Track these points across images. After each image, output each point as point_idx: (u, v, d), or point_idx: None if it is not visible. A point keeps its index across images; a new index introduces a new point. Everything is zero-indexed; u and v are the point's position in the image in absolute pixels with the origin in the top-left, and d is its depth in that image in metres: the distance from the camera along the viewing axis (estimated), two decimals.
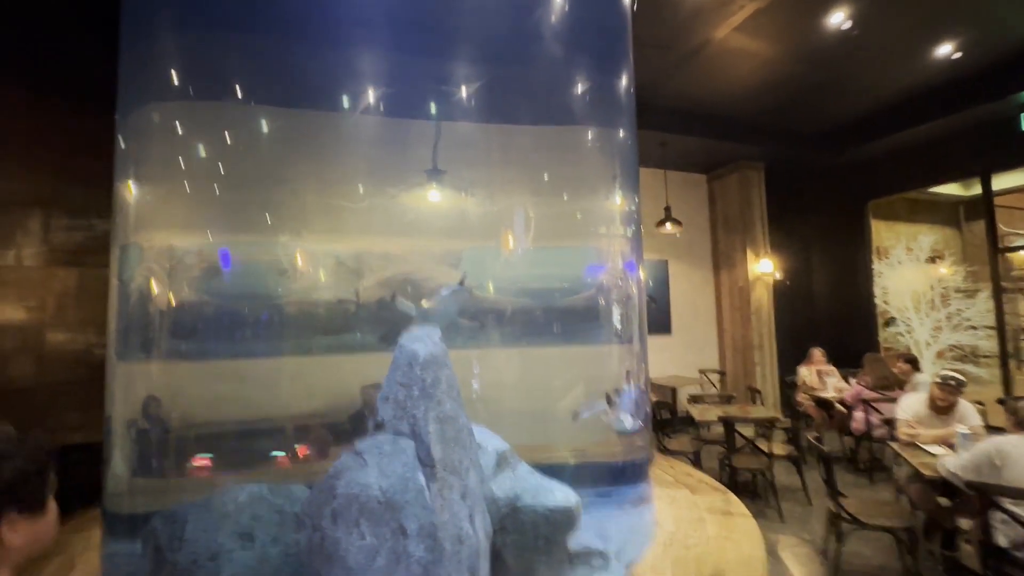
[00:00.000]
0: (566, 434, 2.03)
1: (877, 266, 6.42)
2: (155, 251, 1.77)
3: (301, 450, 1.93)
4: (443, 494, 1.15)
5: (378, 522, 1.09)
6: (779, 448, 3.82)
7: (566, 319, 2.22)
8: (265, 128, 2.08)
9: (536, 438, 1.96)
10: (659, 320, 6.42)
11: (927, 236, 6.22)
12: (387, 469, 1.14)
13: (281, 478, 1.66)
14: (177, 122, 1.84)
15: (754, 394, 5.26)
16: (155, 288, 1.75)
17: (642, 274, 2.33)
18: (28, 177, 3.49)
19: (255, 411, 1.96)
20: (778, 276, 6.60)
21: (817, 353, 5.37)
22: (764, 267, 6.44)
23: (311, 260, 2.20)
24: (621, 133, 2.24)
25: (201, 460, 1.73)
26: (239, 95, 1.92)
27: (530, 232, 2.26)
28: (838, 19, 3.89)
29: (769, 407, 5.68)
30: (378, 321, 2.28)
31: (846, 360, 5.38)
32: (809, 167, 6.85)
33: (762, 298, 6.49)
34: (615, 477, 1.89)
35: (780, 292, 6.68)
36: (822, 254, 7.24)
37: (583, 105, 2.33)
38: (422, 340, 1.28)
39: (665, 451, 3.92)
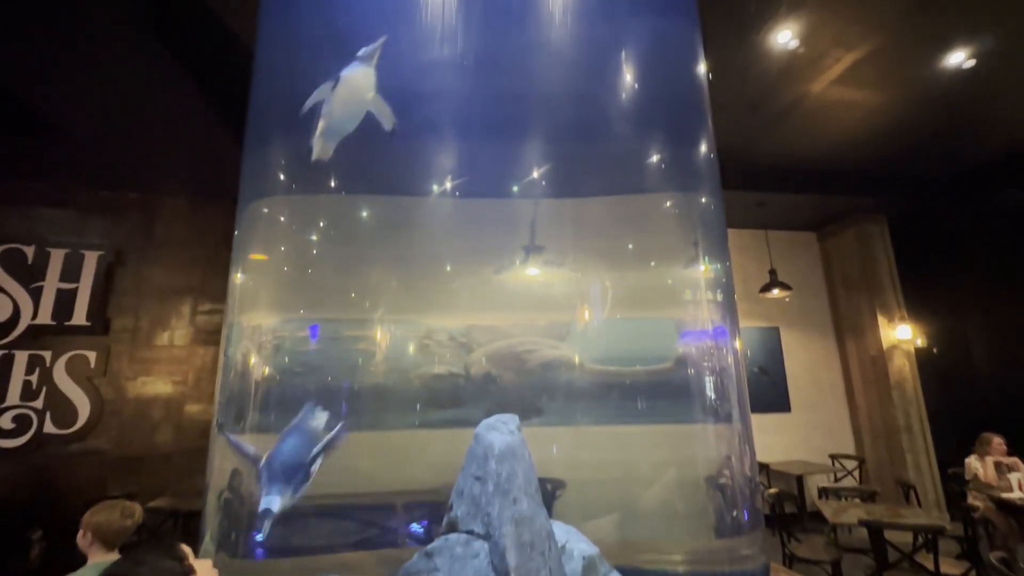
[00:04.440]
0: (657, 528, 1.79)
1: None
2: (259, 329, 1.95)
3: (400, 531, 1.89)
4: None
5: None
6: (950, 567, 3.01)
7: (654, 394, 2.04)
8: (372, 214, 2.31)
9: (622, 532, 1.75)
10: (775, 396, 5.71)
11: None
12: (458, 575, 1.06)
13: (372, 562, 1.62)
14: (283, 214, 2.09)
15: (907, 490, 4.33)
16: (256, 364, 1.91)
17: (738, 344, 2.10)
18: (185, 270, 4.17)
19: (352, 487, 1.98)
20: (920, 343, 5.63)
21: (995, 440, 4.34)
22: (902, 333, 5.54)
23: (415, 335, 2.30)
24: (704, 198, 2.13)
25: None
26: (341, 186, 2.15)
27: (614, 303, 2.18)
28: (957, 59, 3.52)
29: (930, 508, 4.63)
30: (485, 395, 2.28)
31: None
32: (946, 217, 5.99)
33: (903, 370, 5.53)
34: None
35: (927, 363, 5.66)
36: (981, 318, 6.10)
37: (665, 173, 2.28)
38: (499, 429, 1.23)
39: (792, 560, 3.28)
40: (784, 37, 3.23)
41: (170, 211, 4.16)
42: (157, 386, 3.91)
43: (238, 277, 1.96)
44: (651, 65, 1.78)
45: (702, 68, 2.01)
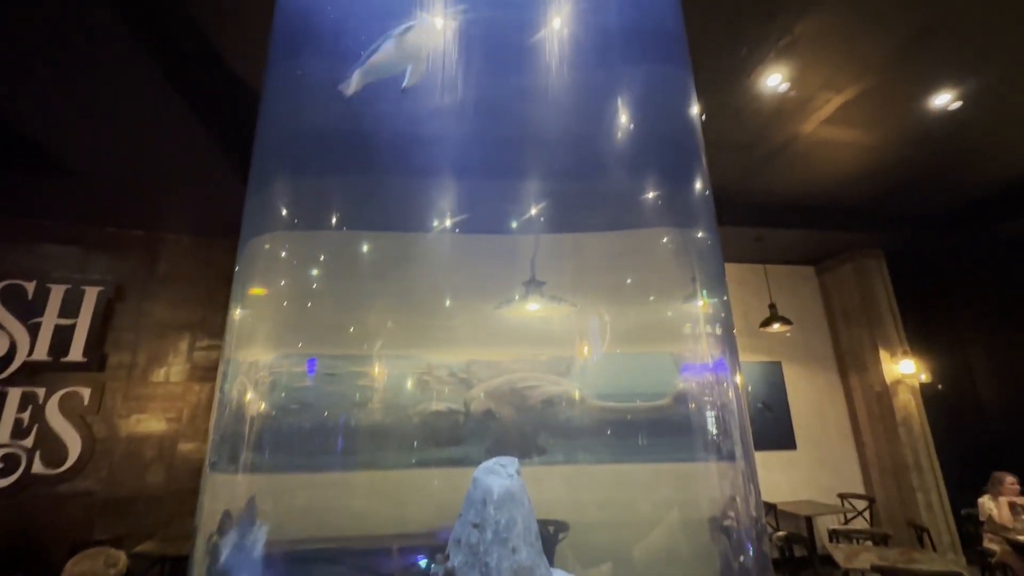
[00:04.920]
0: (661, 572, 1.72)
1: None
2: (256, 365, 1.94)
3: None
4: None
5: None
6: None
7: (658, 431, 2.00)
8: (372, 250, 2.32)
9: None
10: (779, 432, 5.60)
11: None
12: None
13: None
14: (284, 249, 2.11)
15: (920, 533, 4.19)
16: (252, 400, 1.88)
17: (739, 379, 2.08)
18: (185, 306, 4.17)
19: (345, 528, 1.92)
20: (924, 379, 5.57)
21: (1008, 480, 4.23)
22: (905, 368, 5.50)
23: (414, 371, 2.27)
24: (701, 233, 2.16)
25: None
26: (342, 223, 2.17)
27: (616, 338, 2.17)
28: (943, 100, 3.63)
29: (944, 551, 4.47)
30: (485, 432, 2.24)
31: None
32: (942, 251, 6.05)
33: (909, 406, 5.45)
34: None
35: (933, 398, 5.59)
36: (985, 352, 6.06)
37: (662, 209, 2.32)
38: (498, 473, 1.19)
39: None
40: (774, 80, 3.35)
41: (173, 247, 4.20)
42: (151, 424, 3.84)
43: (237, 313, 1.96)
44: (646, 108, 1.84)
45: (695, 110, 2.07)
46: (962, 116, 3.80)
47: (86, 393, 3.82)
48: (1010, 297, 5.73)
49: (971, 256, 5.98)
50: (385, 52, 1.77)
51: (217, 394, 1.87)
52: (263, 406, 1.99)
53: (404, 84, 1.81)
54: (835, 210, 5.37)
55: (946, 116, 3.80)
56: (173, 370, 3.97)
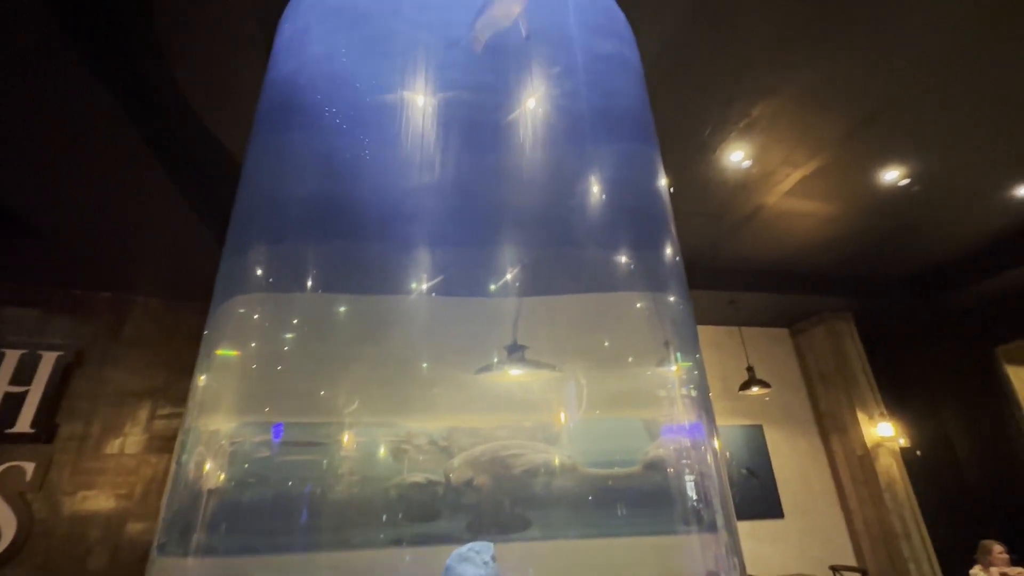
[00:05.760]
0: None
1: None
2: (217, 435, 1.83)
3: None
4: None
5: None
6: None
7: (636, 501, 1.92)
8: (349, 313, 2.28)
9: None
10: (766, 500, 5.46)
11: None
12: None
13: None
14: (257, 312, 2.06)
15: None
16: (210, 473, 1.75)
17: (717, 444, 2.05)
18: (149, 371, 3.99)
19: None
20: (903, 443, 5.58)
21: (996, 549, 4.15)
22: (884, 431, 5.51)
23: (392, 439, 2.16)
24: (672, 298, 2.21)
25: None
26: (319, 286, 2.15)
27: (603, 403, 2.14)
28: (892, 176, 3.91)
29: None
30: (466, 506, 2.11)
31: None
32: (908, 314, 6.27)
33: (891, 470, 5.42)
34: None
35: (913, 463, 5.57)
36: (957, 414, 6.15)
37: (636, 275, 2.37)
38: (472, 561, 1.13)
39: None
40: (737, 156, 3.58)
41: (141, 310, 4.07)
42: (98, 501, 3.54)
43: (202, 378, 1.88)
44: (617, 182, 1.93)
45: (664, 183, 2.18)
46: (911, 191, 4.09)
47: (30, 468, 3.53)
48: (976, 361, 5.91)
49: (935, 320, 6.21)
50: (501, 4, 1.85)
51: (173, 467, 1.74)
52: (222, 479, 1.85)
53: (524, 34, 1.89)
54: (803, 274, 5.59)
55: (897, 191, 4.08)
56: (129, 440, 3.72)
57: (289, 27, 1.96)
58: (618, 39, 1.97)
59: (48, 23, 2.25)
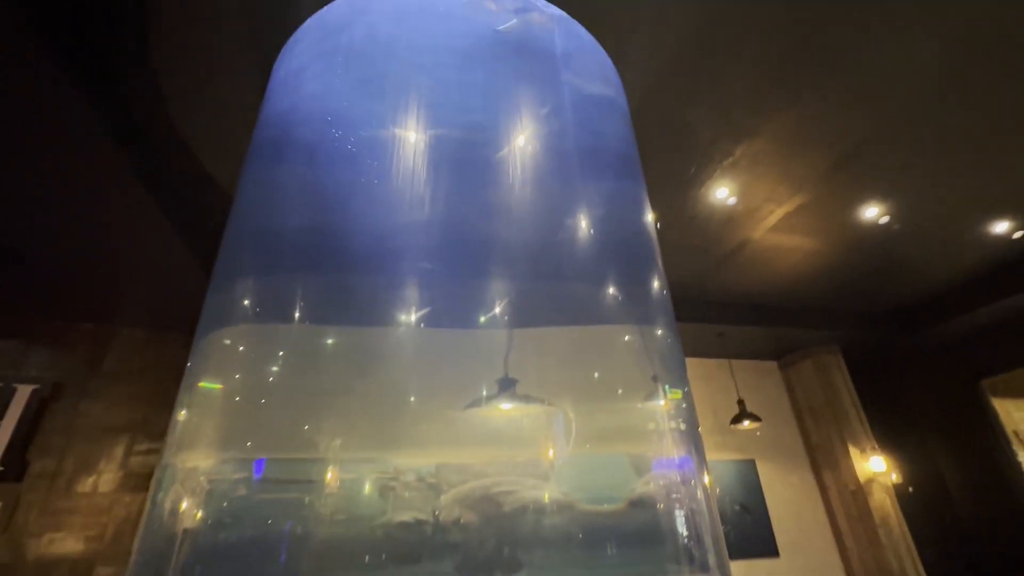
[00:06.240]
0: None
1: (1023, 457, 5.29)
2: (196, 472, 1.76)
3: None
4: None
5: None
6: None
7: (622, 541, 1.87)
8: (336, 345, 2.26)
9: None
10: (760, 538, 5.35)
11: None
12: None
13: None
14: (244, 343, 2.03)
15: None
16: (186, 512, 1.68)
17: (708, 479, 2.02)
18: (128, 405, 3.88)
19: None
20: (895, 478, 5.55)
21: None
22: (876, 465, 5.48)
23: (378, 476, 2.10)
24: (660, 330, 2.22)
25: None
26: (307, 318, 2.13)
27: (595, 438, 2.12)
28: (873, 213, 4.03)
29: None
30: (454, 546, 2.04)
31: None
32: (894, 348, 6.35)
33: (885, 505, 5.36)
34: None
35: (907, 499, 5.52)
36: (947, 448, 6.15)
37: (623, 307, 2.38)
38: None
39: None
40: (722, 193, 3.67)
41: (124, 342, 3.99)
42: (66, 543, 3.37)
43: (183, 413, 1.83)
44: (604, 218, 1.97)
45: (650, 218, 2.23)
46: (892, 228, 4.20)
47: None
48: (962, 394, 5.95)
49: (921, 354, 6.28)
50: None
51: (147, 506, 1.67)
52: (199, 517, 1.78)
53: (506, 26, 1.88)
54: (789, 308, 5.66)
55: (876, 227, 4.20)
56: (103, 478, 3.57)
57: (285, 65, 2.01)
58: (605, 82, 2.06)
59: (35, 45, 2.26)
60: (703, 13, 2.44)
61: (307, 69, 1.91)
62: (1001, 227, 4.29)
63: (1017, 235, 4.34)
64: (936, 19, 2.51)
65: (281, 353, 2.26)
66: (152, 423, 3.82)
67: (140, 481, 3.63)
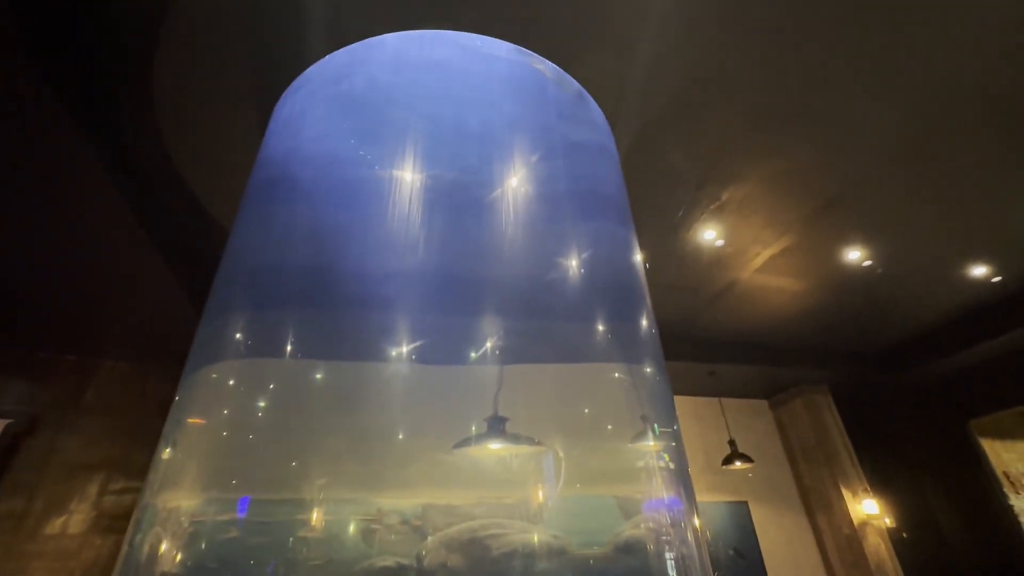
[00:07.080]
0: None
1: (1015, 501, 5.26)
2: (177, 512, 1.70)
3: None
4: None
5: None
6: None
7: None
8: (324, 381, 2.23)
9: None
10: None
11: None
12: None
13: None
14: (232, 378, 2.00)
15: None
16: (165, 555, 1.61)
17: (698, 521, 1.99)
18: (106, 441, 3.76)
19: None
20: (889, 522, 5.47)
21: None
22: (869, 508, 5.41)
23: (362, 517, 2.04)
24: (648, 369, 2.23)
25: None
26: (298, 353, 2.11)
27: (587, 479, 2.08)
28: (856, 256, 4.14)
29: None
30: None
31: None
32: (882, 388, 6.38)
33: (879, 550, 5.26)
34: None
35: (900, 543, 5.43)
36: (938, 490, 6.10)
37: (614, 346, 2.40)
38: None
39: None
40: (710, 235, 3.77)
41: (107, 374, 3.90)
42: None
43: (167, 451, 1.78)
44: (594, 259, 2.01)
45: (639, 259, 2.28)
46: (875, 271, 4.31)
47: None
48: (951, 435, 5.96)
49: (909, 395, 6.32)
50: None
51: (124, 548, 1.59)
52: (178, 560, 1.70)
53: None
54: (778, 347, 5.70)
55: (862, 270, 4.31)
56: (74, 519, 3.42)
57: (286, 109, 2.08)
58: (595, 128, 2.14)
59: (34, 77, 2.31)
60: (692, 69, 2.57)
61: (308, 113, 1.98)
62: (979, 271, 4.42)
63: (995, 280, 4.46)
64: (910, 78, 2.66)
65: (271, 387, 2.22)
66: (131, 460, 3.70)
67: (112, 522, 3.48)
